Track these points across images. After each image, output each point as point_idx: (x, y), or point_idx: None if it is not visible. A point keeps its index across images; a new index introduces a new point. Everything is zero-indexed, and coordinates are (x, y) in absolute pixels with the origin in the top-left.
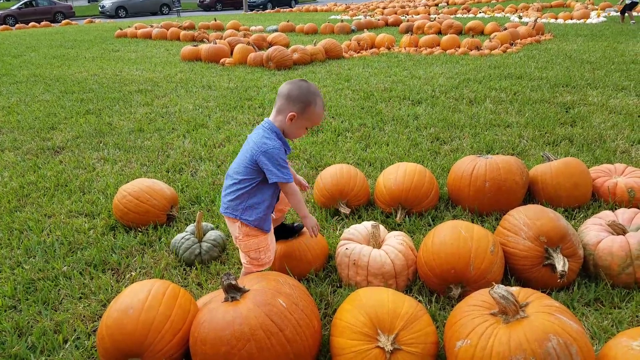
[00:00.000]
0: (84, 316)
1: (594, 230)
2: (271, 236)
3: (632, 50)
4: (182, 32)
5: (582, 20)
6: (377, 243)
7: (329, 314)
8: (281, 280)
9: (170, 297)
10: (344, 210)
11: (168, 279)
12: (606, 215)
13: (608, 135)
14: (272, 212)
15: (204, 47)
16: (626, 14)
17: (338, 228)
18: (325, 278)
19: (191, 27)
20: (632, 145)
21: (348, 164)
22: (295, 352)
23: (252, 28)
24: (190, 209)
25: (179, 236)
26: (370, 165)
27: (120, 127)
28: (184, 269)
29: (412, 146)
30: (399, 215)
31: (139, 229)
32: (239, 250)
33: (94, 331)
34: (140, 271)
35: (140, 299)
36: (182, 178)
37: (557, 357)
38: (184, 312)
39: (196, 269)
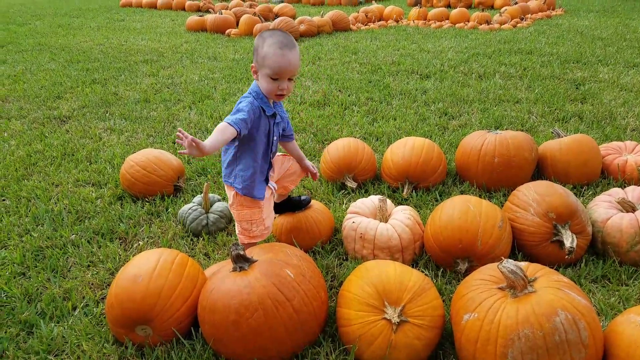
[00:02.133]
0: (92, 284)
1: (603, 207)
2: (267, 210)
3: None
4: (188, 2)
5: None
6: (384, 217)
7: (335, 286)
8: (289, 251)
9: (179, 265)
10: (351, 184)
11: (175, 248)
12: (616, 192)
13: (618, 112)
14: (266, 180)
15: (209, 17)
16: None
17: (344, 202)
18: (332, 251)
19: None
20: None
21: (355, 138)
22: (303, 322)
23: None
24: (197, 180)
25: (186, 207)
26: (377, 139)
27: (126, 97)
28: (191, 239)
29: (420, 121)
30: (405, 190)
31: (146, 199)
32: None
33: (103, 299)
34: (147, 241)
35: (149, 267)
36: None
37: (564, 331)
38: (193, 280)
39: (203, 239)
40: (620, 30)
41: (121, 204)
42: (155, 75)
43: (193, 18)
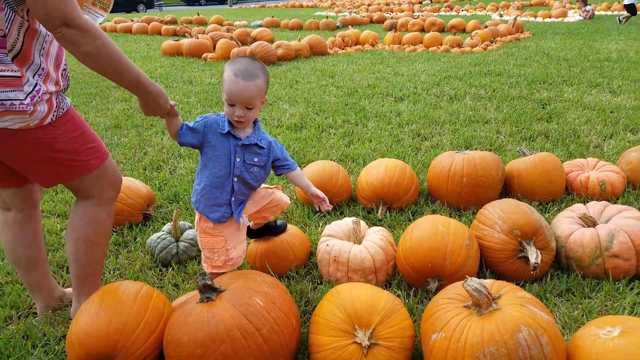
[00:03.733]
0: (53, 320)
1: (566, 223)
2: (234, 241)
3: (606, 48)
4: (164, 27)
5: (560, 19)
6: (357, 239)
7: (309, 311)
8: (259, 279)
9: (144, 298)
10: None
11: (143, 280)
12: (578, 208)
13: (582, 130)
14: (230, 206)
15: (185, 41)
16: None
17: (320, 225)
18: (307, 275)
19: (173, 22)
20: (604, 140)
21: (331, 160)
22: (273, 351)
23: (236, 23)
24: (168, 207)
25: (154, 236)
26: (353, 161)
27: (96, 124)
28: (160, 270)
29: (394, 142)
30: (380, 211)
31: (114, 229)
32: None
33: (64, 336)
34: (114, 273)
35: (111, 301)
36: (160, 176)
37: (527, 347)
38: (158, 313)
39: (172, 269)
40: (584, 52)
41: None
42: (127, 101)
43: (168, 42)
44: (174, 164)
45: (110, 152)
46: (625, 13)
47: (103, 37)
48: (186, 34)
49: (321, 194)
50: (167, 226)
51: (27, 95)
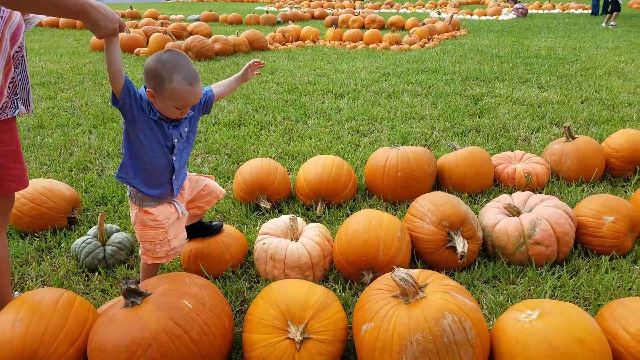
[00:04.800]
0: None
1: (492, 213)
2: (175, 231)
3: (536, 45)
4: None
5: (494, 17)
6: (295, 236)
7: (245, 310)
8: (188, 280)
9: (65, 305)
10: (265, 204)
11: (68, 287)
12: (503, 198)
13: (511, 124)
14: (171, 185)
15: None
16: (609, 15)
17: (258, 223)
18: (243, 274)
19: None
20: (531, 134)
21: (271, 157)
22: (203, 353)
23: (172, 17)
24: (94, 210)
25: (79, 240)
26: (293, 158)
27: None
28: (87, 275)
29: (334, 139)
30: (319, 207)
31: (36, 234)
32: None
33: None
34: (37, 280)
35: (28, 310)
36: (87, 177)
37: (452, 333)
38: (81, 321)
39: (99, 274)
40: (515, 49)
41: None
42: (52, 99)
43: None
44: (102, 165)
45: (34, 153)
46: (611, 22)
47: None
48: None
49: (249, 63)
50: (93, 230)
51: None
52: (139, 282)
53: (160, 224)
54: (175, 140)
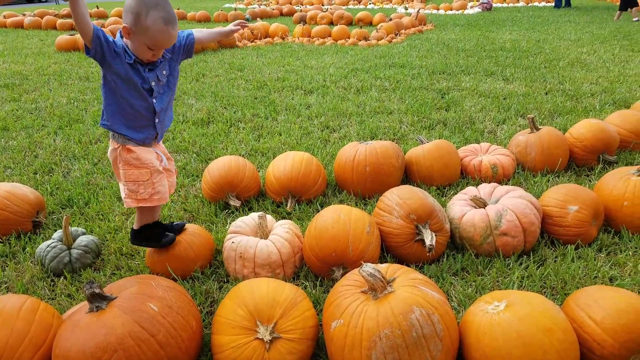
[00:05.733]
0: None
1: (459, 205)
2: (157, 175)
3: (501, 38)
4: (59, 21)
5: (460, 11)
6: (264, 233)
7: (214, 311)
8: (153, 283)
9: (28, 311)
10: (234, 202)
11: (33, 292)
12: (470, 190)
13: (477, 117)
14: (154, 128)
15: None
16: (630, 10)
17: (228, 222)
18: (212, 274)
19: (70, 16)
20: (497, 126)
21: (240, 154)
22: (171, 356)
23: None
24: (60, 213)
25: (44, 244)
26: (263, 155)
27: None
28: (52, 280)
29: (304, 135)
30: (289, 204)
31: (0, 240)
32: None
33: None
34: (1, 287)
35: None
36: (52, 179)
37: (420, 327)
38: (46, 327)
39: (65, 278)
40: (481, 42)
41: None
42: (16, 101)
43: (63, 37)
44: (68, 167)
45: None
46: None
47: None
48: None
49: (235, 22)
50: (58, 233)
51: None
52: (103, 286)
53: (144, 163)
54: (153, 84)
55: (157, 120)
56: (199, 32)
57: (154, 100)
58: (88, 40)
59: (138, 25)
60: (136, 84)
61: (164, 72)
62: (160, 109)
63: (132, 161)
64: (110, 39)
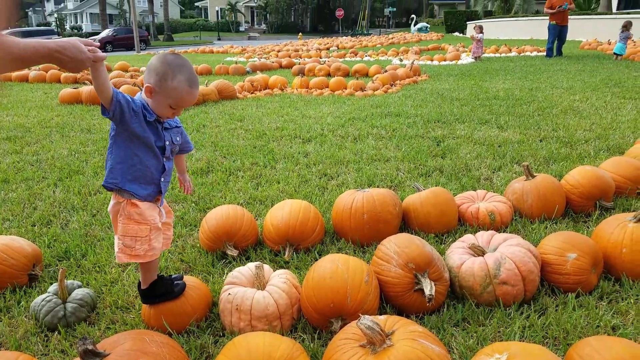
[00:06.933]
0: None
1: (457, 254)
2: (155, 232)
3: (494, 87)
4: (64, 75)
5: (454, 62)
6: (261, 284)
7: None
8: (147, 338)
9: None
10: (232, 252)
11: (26, 348)
12: (468, 238)
13: (473, 164)
14: (159, 191)
15: (85, 89)
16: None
17: (225, 272)
18: (208, 328)
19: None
20: (493, 173)
21: (238, 203)
22: None
23: (142, 69)
24: (57, 265)
25: (39, 298)
26: (261, 203)
27: None
28: (46, 335)
29: (302, 183)
30: (287, 253)
31: None
32: (115, 234)
33: None
34: None
35: None
36: (50, 231)
37: None
38: None
39: (59, 333)
40: (474, 91)
41: None
42: (18, 153)
43: (67, 90)
44: (66, 218)
45: None
46: None
47: None
48: (87, 82)
49: (188, 183)
50: (54, 286)
51: None
52: (97, 342)
53: (146, 219)
54: (167, 143)
55: (162, 180)
56: (184, 159)
57: (164, 160)
58: (107, 103)
59: (163, 87)
60: (151, 141)
61: (178, 138)
62: (169, 168)
63: (135, 216)
64: (129, 98)
